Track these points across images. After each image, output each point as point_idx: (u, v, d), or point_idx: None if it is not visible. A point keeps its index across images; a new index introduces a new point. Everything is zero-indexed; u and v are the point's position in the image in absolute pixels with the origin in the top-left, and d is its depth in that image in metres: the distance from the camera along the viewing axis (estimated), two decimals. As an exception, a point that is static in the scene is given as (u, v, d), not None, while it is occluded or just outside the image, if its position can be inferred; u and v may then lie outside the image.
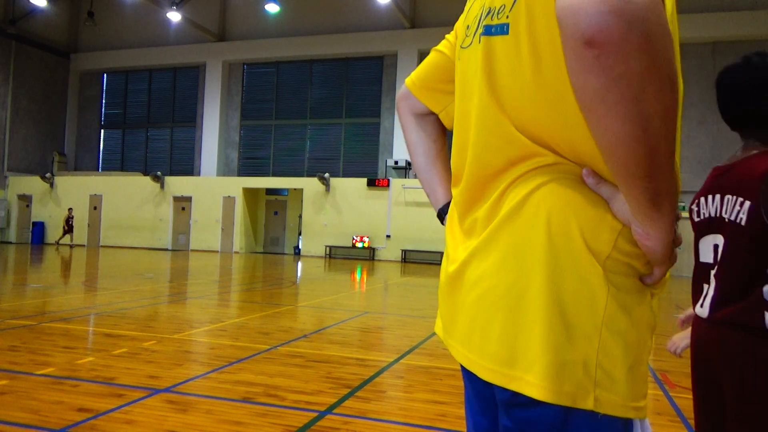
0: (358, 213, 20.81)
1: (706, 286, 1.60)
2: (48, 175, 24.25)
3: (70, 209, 22.52)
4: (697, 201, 1.67)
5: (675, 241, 0.80)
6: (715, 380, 1.54)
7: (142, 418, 3.06)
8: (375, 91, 22.06)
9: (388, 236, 20.35)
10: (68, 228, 21.83)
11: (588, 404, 0.76)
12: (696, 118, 18.52)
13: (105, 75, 26.35)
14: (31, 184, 24.59)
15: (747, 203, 1.46)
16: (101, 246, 23.51)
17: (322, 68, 22.91)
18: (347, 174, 22.11)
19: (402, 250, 19.95)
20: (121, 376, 3.85)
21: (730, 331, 1.49)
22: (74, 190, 24.28)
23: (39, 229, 24.36)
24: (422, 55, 20.78)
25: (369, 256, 20.52)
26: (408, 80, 1.20)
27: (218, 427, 2.97)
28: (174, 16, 21.81)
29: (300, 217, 22.28)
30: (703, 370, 1.58)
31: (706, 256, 1.61)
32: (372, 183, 20.57)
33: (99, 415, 3.06)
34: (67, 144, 26.48)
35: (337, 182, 21.23)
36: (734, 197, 1.50)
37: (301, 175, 22.59)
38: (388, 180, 20.37)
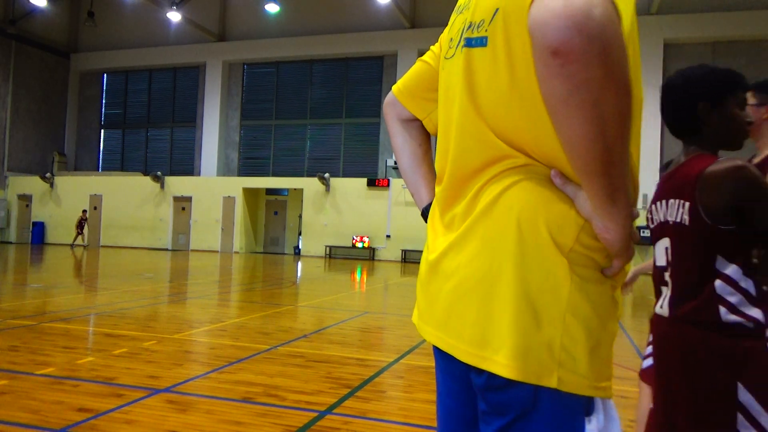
0: (358, 213, 20.80)
1: (664, 288, 1.69)
2: (48, 175, 24.25)
3: (84, 211, 22.41)
4: (650, 209, 1.79)
5: (633, 237, 0.87)
6: (676, 376, 1.62)
7: (142, 418, 3.06)
8: (375, 91, 22.06)
9: (388, 236, 20.35)
10: (80, 229, 21.75)
11: (552, 383, 0.83)
12: (696, 118, 18.49)
13: (105, 75, 26.35)
14: (31, 184, 24.59)
15: (687, 204, 1.58)
16: (101, 246, 23.51)
17: (322, 68, 22.91)
18: (347, 174, 22.11)
19: (402, 250, 19.95)
20: (121, 376, 3.85)
21: (690, 327, 1.58)
22: (74, 190, 24.28)
23: (39, 229, 24.36)
24: (422, 55, 20.75)
25: (369, 256, 20.52)
26: (395, 88, 1.27)
27: (218, 427, 2.97)
28: (174, 16, 21.80)
29: (300, 217, 22.28)
30: (665, 367, 1.67)
31: (661, 260, 1.71)
32: (372, 183, 20.57)
33: (99, 415, 3.06)
34: (67, 144, 26.48)
35: (337, 182, 21.23)
36: (677, 200, 1.63)
37: (301, 175, 22.58)
38: (388, 180, 20.37)
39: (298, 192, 22.20)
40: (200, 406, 3.31)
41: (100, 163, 26.41)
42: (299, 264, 17.21)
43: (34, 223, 24.43)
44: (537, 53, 0.73)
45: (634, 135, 0.89)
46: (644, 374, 2.43)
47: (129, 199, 23.55)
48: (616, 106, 0.72)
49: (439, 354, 1.06)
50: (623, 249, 0.86)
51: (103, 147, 26.44)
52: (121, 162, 25.97)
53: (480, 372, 0.89)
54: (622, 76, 0.71)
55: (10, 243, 24.08)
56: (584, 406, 0.86)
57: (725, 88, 1.62)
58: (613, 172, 0.77)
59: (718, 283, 1.53)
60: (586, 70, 0.68)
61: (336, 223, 21.13)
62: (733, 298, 1.51)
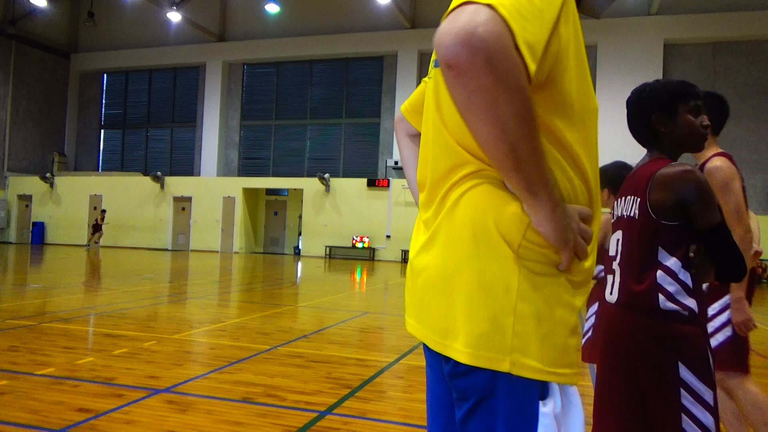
0: (358, 213, 20.80)
1: (610, 277, 1.87)
2: (48, 175, 24.25)
3: (103, 211, 22.25)
4: (613, 205, 1.98)
5: (583, 234, 0.96)
6: (620, 357, 1.78)
7: (142, 418, 3.06)
8: (375, 91, 22.05)
9: (388, 236, 20.35)
10: (98, 230, 21.65)
11: (504, 367, 0.92)
12: (696, 118, 18.48)
13: (105, 75, 26.34)
14: (31, 184, 24.59)
15: (639, 200, 1.77)
16: (101, 246, 23.50)
17: (322, 68, 22.90)
18: (347, 174, 22.11)
19: (402, 250, 19.95)
20: (121, 376, 3.85)
21: (633, 313, 1.75)
22: (74, 190, 24.28)
23: (39, 229, 24.36)
24: (422, 55, 20.79)
25: (369, 256, 20.52)
26: (402, 106, 1.42)
27: (218, 427, 2.97)
28: (174, 16, 21.80)
29: (300, 217, 22.28)
30: (611, 349, 1.83)
31: (612, 250, 1.90)
32: (372, 183, 20.56)
33: (99, 415, 3.06)
34: (67, 144, 26.48)
35: (337, 182, 21.23)
36: (632, 197, 1.82)
37: (301, 175, 22.58)
38: (388, 180, 20.36)
39: (298, 192, 22.19)
40: (200, 406, 3.31)
41: (100, 163, 26.40)
42: (299, 264, 17.22)
43: (34, 224, 24.42)
44: (439, 67, 0.83)
45: (583, 140, 0.99)
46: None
47: (129, 199, 23.55)
48: (512, 109, 0.80)
49: (425, 346, 1.14)
50: (560, 241, 0.93)
51: (103, 147, 26.43)
52: (121, 162, 25.96)
53: (447, 360, 0.98)
54: (513, 81, 0.79)
55: (10, 243, 24.08)
56: (539, 390, 0.94)
57: (676, 98, 1.79)
58: (523, 167, 0.86)
59: (659, 273, 1.70)
60: (475, 79, 0.78)
61: (336, 223, 21.13)
62: (672, 288, 1.68)
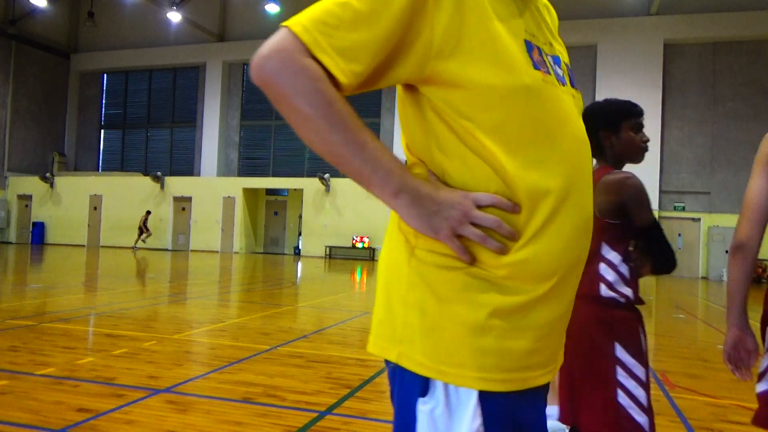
0: (358, 213, 20.80)
1: None
2: (48, 175, 24.25)
3: (148, 212, 22.17)
4: None
5: (481, 222, 0.88)
6: (570, 342, 1.95)
7: (142, 418, 3.06)
8: (375, 92, 21.89)
9: (388, 236, 20.34)
10: (145, 230, 21.58)
11: (392, 357, 0.94)
12: (696, 118, 18.50)
13: (105, 75, 26.34)
14: (31, 184, 24.59)
15: None
16: (101, 246, 23.51)
17: (322, 68, 22.88)
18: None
19: (402, 250, 19.94)
20: (121, 376, 3.85)
21: (578, 302, 1.84)
22: (74, 190, 24.27)
23: (39, 229, 24.35)
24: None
25: (369, 256, 20.52)
26: None
27: (218, 427, 2.97)
28: (174, 16, 21.81)
29: (300, 217, 22.28)
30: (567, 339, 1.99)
31: None
32: (372, 183, 20.53)
33: (99, 415, 3.06)
34: (67, 144, 26.48)
35: (337, 182, 21.23)
36: None
37: (301, 176, 22.58)
38: (388, 180, 20.34)
39: (298, 192, 22.19)
40: (200, 406, 3.32)
41: (100, 163, 26.40)
42: (299, 264, 17.22)
43: (34, 224, 24.42)
44: None
45: (498, 125, 0.89)
46: None
47: (129, 200, 23.54)
48: (309, 110, 0.87)
49: None
50: (423, 229, 0.91)
51: (103, 147, 26.43)
52: (121, 162, 25.96)
53: None
54: (302, 87, 0.86)
55: (10, 243, 24.08)
56: (420, 386, 0.90)
57: (620, 117, 2.01)
58: (343, 160, 0.92)
59: (601, 265, 1.93)
60: (269, 90, 0.88)
61: (336, 223, 21.13)
62: (611, 278, 1.92)
